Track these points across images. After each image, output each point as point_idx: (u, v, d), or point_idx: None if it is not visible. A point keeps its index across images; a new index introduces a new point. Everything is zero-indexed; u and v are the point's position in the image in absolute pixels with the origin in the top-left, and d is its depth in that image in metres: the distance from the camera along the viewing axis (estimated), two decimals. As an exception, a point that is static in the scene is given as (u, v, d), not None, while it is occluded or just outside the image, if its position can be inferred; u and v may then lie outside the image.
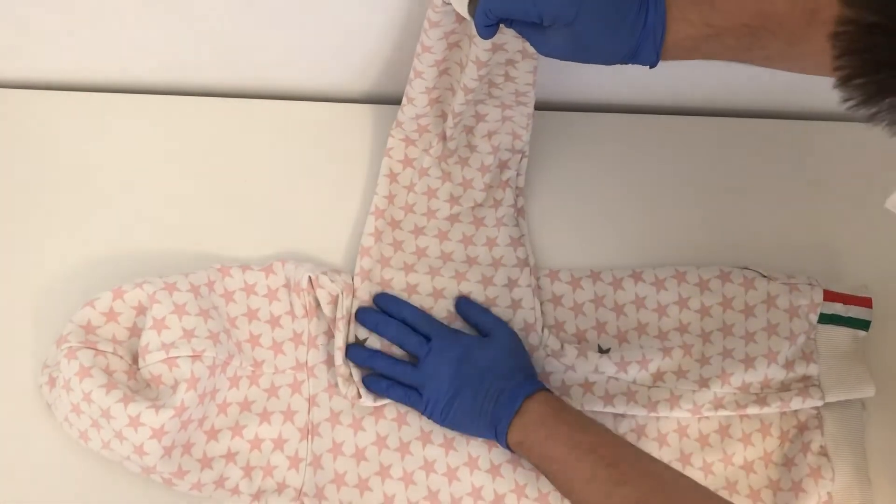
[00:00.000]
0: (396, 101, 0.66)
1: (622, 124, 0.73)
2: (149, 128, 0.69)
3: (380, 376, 0.61)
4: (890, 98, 0.29)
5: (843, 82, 0.30)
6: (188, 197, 0.67)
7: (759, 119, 0.74)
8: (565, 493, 0.55)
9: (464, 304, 0.64)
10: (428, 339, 0.61)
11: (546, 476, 0.56)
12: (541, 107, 0.72)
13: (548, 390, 0.58)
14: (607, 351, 0.63)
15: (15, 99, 0.69)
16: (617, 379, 0.63)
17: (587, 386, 0.63)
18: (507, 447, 0.58)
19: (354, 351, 0.61)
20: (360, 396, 0.60)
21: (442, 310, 0.64)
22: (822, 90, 0.43)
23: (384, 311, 0.62)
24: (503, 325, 0.62)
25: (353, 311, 0.62)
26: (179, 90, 0.71)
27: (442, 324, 0.63)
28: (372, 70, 0.69)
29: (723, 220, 0.70)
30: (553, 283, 0.65)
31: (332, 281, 0.62)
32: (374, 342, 0.62)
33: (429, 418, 0.60)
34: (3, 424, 0.60)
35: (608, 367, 0.62)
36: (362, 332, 0.62)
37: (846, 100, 0.30)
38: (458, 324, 0.64)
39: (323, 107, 0.71)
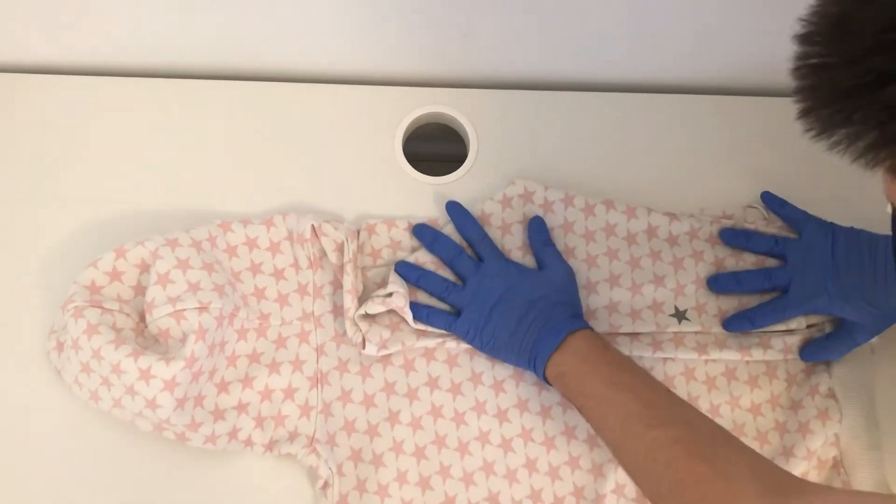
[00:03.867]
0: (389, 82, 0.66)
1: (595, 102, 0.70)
2: (149, 111, 0.68)
3: (423, 305, 0.62)
4: (842, 129, 0.31)
5: (802, 115, 0.33)
6: (189, 168, 0.66)
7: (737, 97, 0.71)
8: (597, 429, 0.56)
9: (534, 227, 0.63)
10: (481, 260, 0.62)
11: (580, 411, 0.57)
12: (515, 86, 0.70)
13: (592, 330, 0.58)
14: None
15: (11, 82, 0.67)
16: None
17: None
18: (544, 378, 0.58)
19: (404, 267, 0.62)
20: (364, 346, 0.60)
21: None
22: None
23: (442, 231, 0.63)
24: (560, 261, 0.62)
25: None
26: (181, 73, 0.69)
27: (498, 248, 0.63)
28: (366, 50, 0.68)
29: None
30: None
31: (335, 228, 0.61)
32: (399, 298, 0.60)
33: (469, 343, 0.61)
34: (12, 393, 0.61)
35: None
36: (392, 287, 0.61)
37: (806, 130, 0.32)
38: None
39: (320, 88, 0.69)
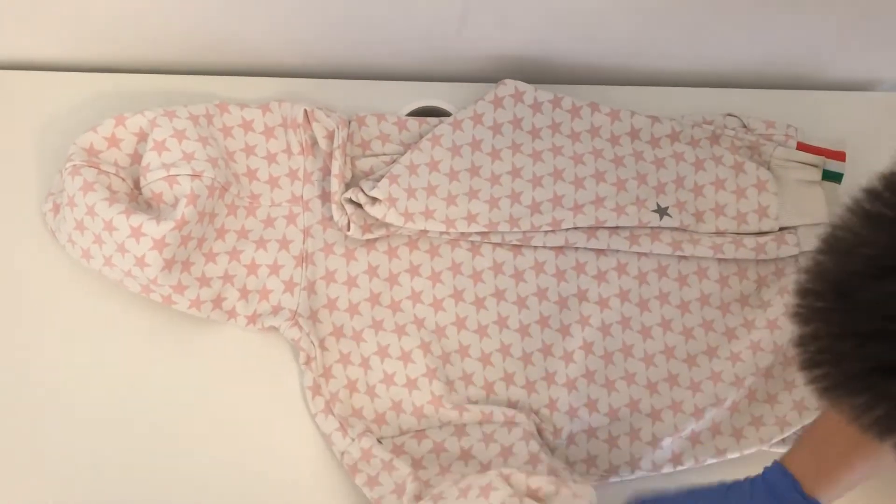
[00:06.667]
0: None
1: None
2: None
3: None
4: (848, 401, 0.31)
5: (807, 373, 0.33)
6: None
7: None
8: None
9: None
10: None
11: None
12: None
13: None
14: None
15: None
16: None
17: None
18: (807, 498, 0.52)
19: None
20: (349, 229, 0.62)
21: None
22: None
23: None
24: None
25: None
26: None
27: None
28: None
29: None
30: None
31: (327, 116, 0.64)
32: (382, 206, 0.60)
33: None
34: (9, 258, 0.62)
35: None
36: (368, 185, 0.62)
37: (809, 383, 0.33)
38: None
39: (320, 83, 0.69)
